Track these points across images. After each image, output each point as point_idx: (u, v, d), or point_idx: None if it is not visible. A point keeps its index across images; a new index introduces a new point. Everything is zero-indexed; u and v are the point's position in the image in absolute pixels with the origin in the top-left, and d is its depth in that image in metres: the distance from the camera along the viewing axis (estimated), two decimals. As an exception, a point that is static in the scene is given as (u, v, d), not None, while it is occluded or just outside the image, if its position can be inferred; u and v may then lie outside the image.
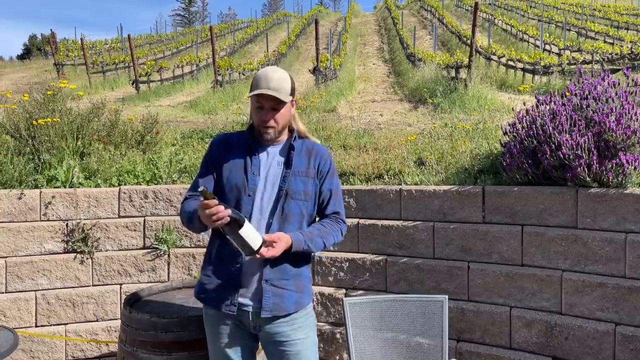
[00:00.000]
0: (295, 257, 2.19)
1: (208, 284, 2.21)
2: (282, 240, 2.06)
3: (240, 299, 2.15)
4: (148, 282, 4.01)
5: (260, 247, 1.99)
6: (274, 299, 2.15)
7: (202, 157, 2.31)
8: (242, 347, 2.23)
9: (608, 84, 3.57)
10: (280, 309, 2.16)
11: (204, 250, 4.04)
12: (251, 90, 2.14)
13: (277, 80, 2.11)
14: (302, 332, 2.22)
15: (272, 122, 2.14)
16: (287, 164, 2.19)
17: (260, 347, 2.32)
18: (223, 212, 1.91)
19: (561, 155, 3.28)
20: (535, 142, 3.51)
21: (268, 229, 2.15)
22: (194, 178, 4.43)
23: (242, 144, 2.23)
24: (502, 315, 3.45)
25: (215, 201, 1.92)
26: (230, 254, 2.14)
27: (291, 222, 2.16)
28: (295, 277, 2.21)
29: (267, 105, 2.12)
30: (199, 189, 1.95)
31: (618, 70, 11.18)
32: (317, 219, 2.31)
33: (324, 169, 2.24)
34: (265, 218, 2.16)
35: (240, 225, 1.94)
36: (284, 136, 2.25)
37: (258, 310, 2.14)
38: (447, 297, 3.02)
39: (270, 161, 2.21)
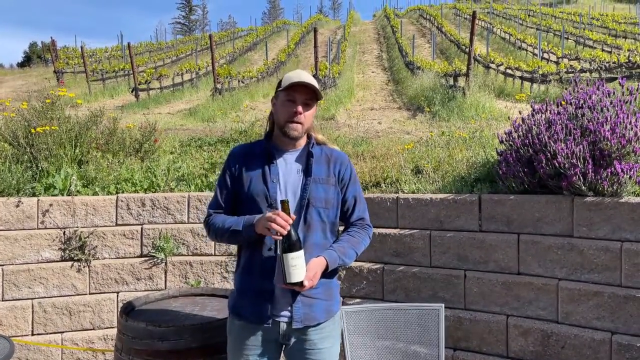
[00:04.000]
0: None
1: (242, 298, 2.19)
2: (318, 269, 2.07)
3: (274, 311, 2.13)
4: (145, 291, 4.01)
5: (295, 284, 1.99)
6: (304, 309, 2.13)
7: (221, 171, 2.28)
8: (267, 358, 2.19)
9: (602, 93, 3.60)
10: (311, 318, 2.14)
11: (201, 258, 4.10)
12: (280, 87, 2.14)
13: (311, 77, 2.14)
14: (328, 341, 2.20)
15: (301, 117, 2.11)
16: (307, 171, 2.16)
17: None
18: (287, 225, 1.95)
19: (557, 164, 3.30)
20: (531, 150, 3.52)
21: None
22: (191, 187, 4.47)
23: (260, 152, 2.21)
24: (498, 323, 3.45)
25: (290, 219, 1.97)
26: (260, 265, 2.13)
27: (314, 230, 2.14)
28: (324, 285, 2.17)
29: (299, 99, 2.12)
30: (280, 199, 2.03)
31: (616, 78, 11.21)
32: (343, 226, 2.31)
33: (345, 176, 2.22)
34: None
35: (290, 250, 1.96)
36: (303, 141, 2.22)
37: (289, 321, 2.13)
38: (443, 305, 3.03)
39: (289, 168, 2.18)
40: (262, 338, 2.16)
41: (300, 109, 2.11)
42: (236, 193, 2.21)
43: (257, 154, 2.21)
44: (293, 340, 2.17)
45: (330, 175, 2.19)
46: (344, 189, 2.23)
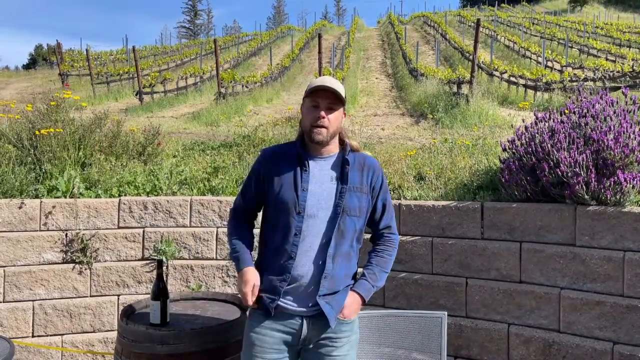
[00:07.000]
0: (345, 274, 2.19)
1: (262, 294, 2.18)
2: (353, 309, 2.18)
3: (293, 306, 2.14)
4: (146, 294, 4.00)
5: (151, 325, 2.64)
6: (329, 308, 2.13)
7: (250, 169, 2.30)
8: None
9: (606, 102, 3.60)
10: (326, 324, 2.14)
11: (203, 262, 4.10)
12: (306, 94, 2.17)
13: (335, 82, 2.17)
14: (344, 349, 2.18)
15: (325, 121, 2.12)
16: (342, 179, 2.16)
17: None
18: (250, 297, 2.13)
19: (559, 173, 3.29)
20: (534, 159, 3.52)
21: (326, 248, 2.12)
22: (193, 191, 4.48)
23: (292, 156, 2.20)
24: (500, 332, 3.43)
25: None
26: (280, 267, 2.14)
27: (346, 238, 2.16)
28: (345, 292, 2.20)
29: (322, 104, 2.13)
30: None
31: (619, 88, 11.20)
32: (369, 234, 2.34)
33: (377, 185, 2.24)
34: (319, 236, 2.13)
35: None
36: (335, 148, 2.22)
37: (310, 317, 2.13)
38: (446, 313, 3.02)
39: (322, 175, 2.17)
40: (280, 340, 2.15)
41: (323, 113, 2.13)
42: (264, 194, 2.21)
43: (289, 156, 2.20)
44: (309, 344, 2.17)
45: (364, 183, 2.20)
46: (375, 197, 2.24)
